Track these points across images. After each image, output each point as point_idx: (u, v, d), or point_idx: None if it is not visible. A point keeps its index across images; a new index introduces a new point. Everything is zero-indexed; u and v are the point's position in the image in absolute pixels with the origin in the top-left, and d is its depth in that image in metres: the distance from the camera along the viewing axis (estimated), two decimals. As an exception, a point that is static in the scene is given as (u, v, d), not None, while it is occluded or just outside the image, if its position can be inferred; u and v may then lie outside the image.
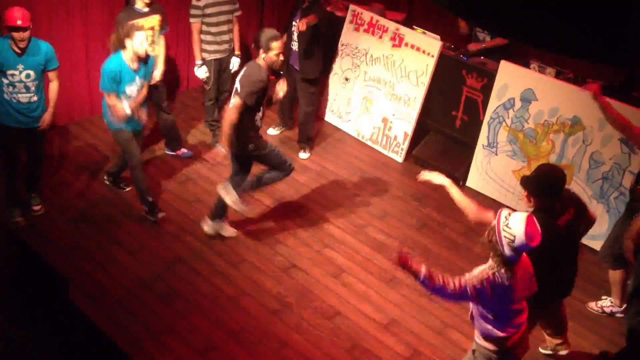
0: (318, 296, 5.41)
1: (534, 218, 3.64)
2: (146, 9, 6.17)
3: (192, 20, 6.66)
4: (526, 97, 6.42)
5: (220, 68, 6.87)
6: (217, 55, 6.80)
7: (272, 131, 7.59)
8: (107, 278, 5.39)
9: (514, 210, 3.84)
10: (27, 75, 5.42)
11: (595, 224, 6.05)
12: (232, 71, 6.90)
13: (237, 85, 5.39)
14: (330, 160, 7.24)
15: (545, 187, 4.20)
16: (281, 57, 5.35)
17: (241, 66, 6.09)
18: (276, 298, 5.35)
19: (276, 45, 5.27)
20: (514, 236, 3.56)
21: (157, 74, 6.34)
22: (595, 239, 6.08)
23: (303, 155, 7.25)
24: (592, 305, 5.55)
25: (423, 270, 3.77)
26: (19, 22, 5.23)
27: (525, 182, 4.30)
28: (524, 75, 6.47)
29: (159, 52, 6.38)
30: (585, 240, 6.07)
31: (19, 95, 5.43)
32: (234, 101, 5.36)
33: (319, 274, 5.64)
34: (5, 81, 5.37)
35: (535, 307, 4.25)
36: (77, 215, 6.00)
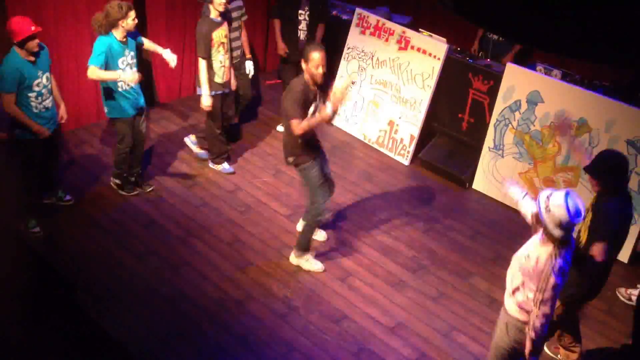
0: (325, 299, 5.42)
1: (574, 193, 3.67)
2: (219, 19, 6.28)
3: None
4: (532, 99, 6.42)
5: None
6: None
7: (281, 128, 7.63)
8: (114, 282, 5.41)
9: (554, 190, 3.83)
10: (47, 79, 5.49)
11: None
12: (250, 75, 7.00)
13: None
14: (336, 163, 7.24)
15: (612, 168, 4.24)
16: (320, 70, 5.06)
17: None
18: (283, 302, 5.36)
19: (316, 56, 5.00)
20: (560, 217, 3.60)
21: (234, 82, 6.66)
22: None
23: None
24: (622, 291, 5.59)
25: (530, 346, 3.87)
26: (33, 28, 5.25)
27: (590, 169, 4.31)
28: (530, 77, 6.46)
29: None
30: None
31: (47, 101, 5.50)
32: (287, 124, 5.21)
33: (326, 277, 5.65)
34: (32, 95, 5.38)
35: (587, 298, 4.41)
36: (85, 220, 6.03)
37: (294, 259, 5.71)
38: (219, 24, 6.26)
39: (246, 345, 4.97)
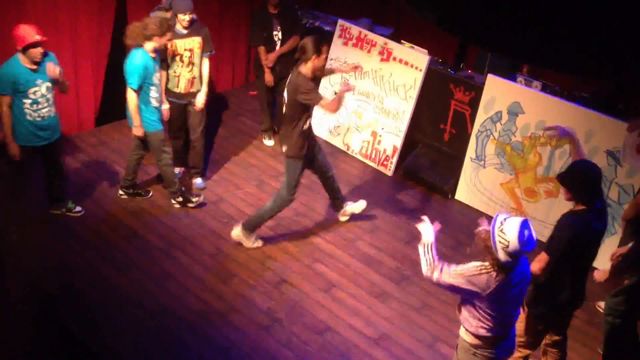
0: (308, 311, 5.40)
1: (529, 223, 3.67)
2: (184, 31, 6.21)
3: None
4: (513, 110, 6.48)
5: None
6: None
7: (269, 142, 7.68)
8: (95, 294, 5.36)
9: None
10: (47, 88, 5.46)
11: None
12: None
13: (292, 100, 5.56)
14: (319, 175, 7.25)
15: (584, 182, 4.19)
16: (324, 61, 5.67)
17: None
18: (266, 313, 5.34)
19: (326, 49, 5.62)
20: (508, 241, 3.59)
21: (202, 97, 6.43)
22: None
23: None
24: (602, 304, 5.62)
25: (425, 245, 4.07)
26: (37, 37, 5.24)
27: (563, 178, 4.29)
28: (510, 88, 6.53)
29: (204, 74, 6.41)
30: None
31: (43, 110, 5.46)
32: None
33: (309, 288, 5.64)
34: (27, 101, 5.37)
35: (561, 315, 4.37)
36: (65, 232, 5.97)
37: (237, 233, 5.93)
38: (180, 36, 6.19)
39: (229, 357, 4.94)
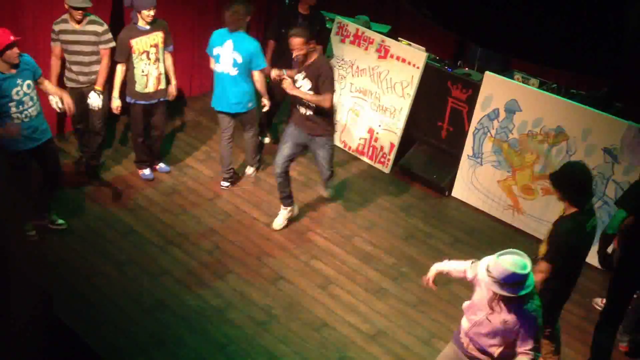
0: (305, 307, 5.41)
1: (507, 257, 3.68)
2: (147, 27, 6.17)
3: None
4: (510, 107, 6.48)
5: (78, 100, 6.15)
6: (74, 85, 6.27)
7: (267, 140, 7.70)
8: (92, 291, 5.36)
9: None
10: (29, 86, 5.39)
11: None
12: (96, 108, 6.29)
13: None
14: (316, 171, 7.22)
15: (575, 184, 4.22)
16: None
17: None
18: (263, 310, 5.34)
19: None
20: (498, 276, 3.62)
21: (174, 89, 6.48)
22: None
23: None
24: (598, 301, 5.64)
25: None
26: (12, 38, 5.18)
27: (554, 178, 4.31)
28: (508, 86, 6.53)
29: (169, 68, 6.42)
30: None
31: (29, 110, 5.38)
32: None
33: (306, 285, 5.64)
34: (13, 104, 5.29)
35: (553, 309, 4.38)
36: (62, 228, 5.96)
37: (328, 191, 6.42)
38: (144, 32, 6.16)
39: (226, 354, 4.94)
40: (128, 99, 6.38)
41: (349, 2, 8.35)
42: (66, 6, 5.93)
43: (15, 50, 5.23)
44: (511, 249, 3.73)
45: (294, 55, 5.70)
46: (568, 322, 5.48)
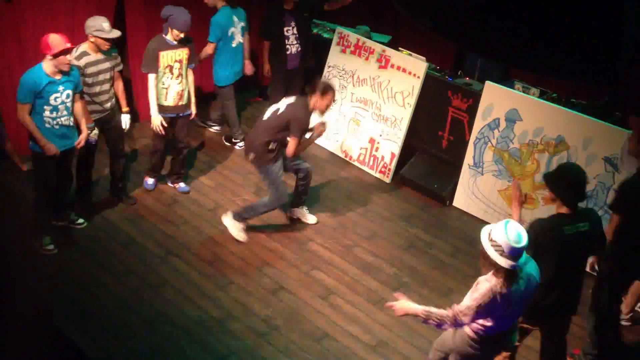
0: (306, 318, 5.39)
1: (512, 222, 3.71)
2: (175, 42, 6.17)
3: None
4: (511, 117, 6.48)
5: (103, 127, 6.13)
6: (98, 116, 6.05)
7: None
8: (92, 302, 5.34)
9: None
10: (68, 96, 5.44)
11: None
12: (125, 128, 6.37)
13: (280, 112, 5.87)
14: (317, 181, 7.25)
15: (569, 185, 4.20)
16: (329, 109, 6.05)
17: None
18: (264, 321, 5.33)
19: (332, 97, 5.91)
20: (501, 245, 3.63)
21: (194, 108, 6.52)
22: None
23: None
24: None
25: (421, 315, 3.91)
26: (68, 45, 5.26)
27: (545, 177, 4.34)
28: (508, 95, 6.53)
29: (190, 86, 6.41)
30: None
31: (62, 118, 5.44)
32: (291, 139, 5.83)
33: (307, 295, 5.62)
34: (48, 108, 5.35)
35: (537, 319, 4.35)
36: (62, 238, 5.95)
37: (228, 219, 6.12)
38: (172, 47, 6.17)
39: (227, 365, 4.92)
40: (151, 108, 6.35)
41: (350, 12, 8.38)
42: (91, 38, 5.71)
43: (68, 57, 5.32)
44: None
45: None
46: (570, 333, 5.45)
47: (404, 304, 3.96)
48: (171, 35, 6.15)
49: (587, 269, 4.92)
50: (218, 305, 5.44)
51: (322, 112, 5.96)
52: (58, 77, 5.35)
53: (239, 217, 6.11)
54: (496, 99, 6.57)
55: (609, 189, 5.96)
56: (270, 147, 5.85)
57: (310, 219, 6.51)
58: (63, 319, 5.05)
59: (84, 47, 5.79)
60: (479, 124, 6.70)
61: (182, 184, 6.82)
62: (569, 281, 4.35)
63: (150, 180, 6.76)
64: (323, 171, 7.45)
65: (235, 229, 6.11)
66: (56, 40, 5.27)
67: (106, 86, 5.98)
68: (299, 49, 7.48)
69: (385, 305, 4.08)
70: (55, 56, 5.26)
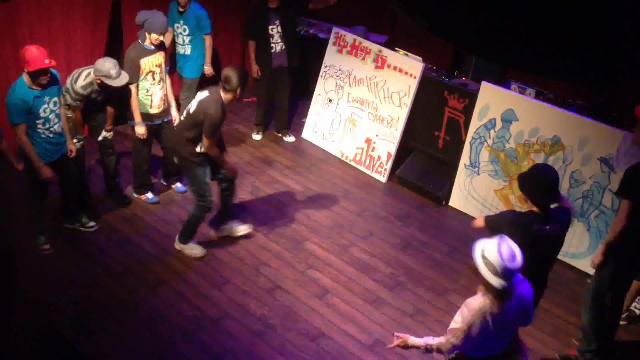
0: (302, 317, 5.40)
1: (507, 239, 3.62)
2: (152, 47, 6.12)
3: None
4: (507, 117, 6.50)
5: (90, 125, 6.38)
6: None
7: (257, 137, 7.98)
8: (88, 301, 5.34)
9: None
10: (55, 103, 5.43)
11: (577, 242, 6.17)
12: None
13: (197, 116, 5.43)
14: (313, 181, 7.27)
15: (534, 185, 4.20)
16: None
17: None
18: (260, 320, 5.33)
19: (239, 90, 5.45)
20: (493, 264, 3.55)
21: (176, 112, 6.40)
22: (576, 257, 6.15)
23: (291, 138, 7.99)
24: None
25: (422, 346, 3.87)
26: (47, 61, 5.19)
27: (518, 178, 4.34)
28: (504, 96, 6.55)
29: (168, 89, 6.36)
30: (566, 259, 6.15)
31: (55, 126, 5.44)
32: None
33: (303, 295, 5.63)
34: (40, 121, 5.34)
35: None
36: (58, 238, 5.95)
37: (177, 244, 5.94)
38: (150, 52, 6.10)
39: (223, 364, 4.92)
40: (131, 123, 6.28)
41: (347, 12, 8.40)
42: (96, 78, 5.73)
43: (47, 75, 5.26)
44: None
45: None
46: (561, 330, 5.48)
47: (406, 339, 3.91)
48: (149, 40, 6.06)
49: (591, 266, 4.94)
50: (214, 304, 5.44)
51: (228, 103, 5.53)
52: (40, 88, 5.29)
53: (183, 238, 5.91)
54: (492, 99, 6.58)
55: (604, 189, 5.98)
56: (192, 148, 5.52)
57: (242, 229, 6.18)
58: (59, 319, 5.05)
59: (91, 78, 5.79)
60: (475, 124, 6.72)
61: (178, 184, 6.81)
62: (534, 279, 4.35)
63: (149, 195, 6.63)
64: (319, 171, 7.46)
65: (188, 249, 5.92)
66: (34, 56, 5.14)
67: (101, 101, 6.05)
68: (284, 47, 7.48)
69: (387, 347, 4.07)
70: (33, 74, 5.18)
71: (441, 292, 5.81)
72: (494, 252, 3.55)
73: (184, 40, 7.30)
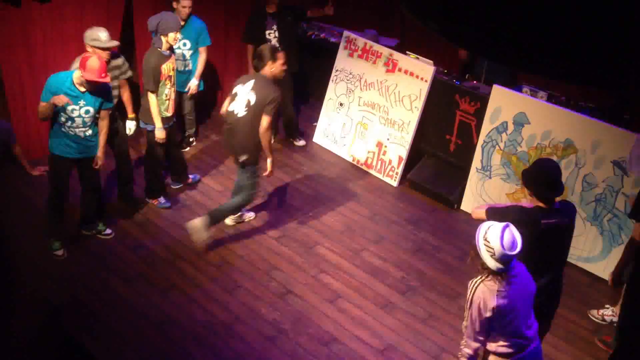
0: (314, 322, 5.39)
1: (512, 227, 3.69)
2: (167, 52, 6.15)
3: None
4: (519, 120, 6.47)
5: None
6: None
7: (302, 142, 8.02)
8: (101, 306, 5.36)
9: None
10: (87, 112, 5.44)
11: (590, 246, 6.12)
12: (130, 133, 6.55)
13: (261, 104, 5.65)
14: (324, 185, 7.26)
15: (539, 180, 4.21)
16: (285, 67, 5.86)
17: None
18: (272, 324, 5.33)
19: (282, 55, 5.82)
20: (493, 248, 3.64)
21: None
22: (589, 261, 6.10)
23: (302, 143, 7.97)
24: (594, 312, 5.60)
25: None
26: (100, 79, 5.26)
27: (522, 174, 4.36)
28: (516, 99, 6.52)
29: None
30: (579, 263, 6.11)
31: (78, 129, 5.48)
32: (264, 119, 5.67)
33: (315, 299, 5.63)
34: (64, 117, 5.39)
35: None
36: (71, 242, 5.98)
37: (201, 227, 5.86)
38: (167, 57, 6.14)
39: (234, 368, 4.92)
40: (150, 127, 6.28)
41: (357, 16, 8.40)
42: (89, 49, 5.70)
43: (89, 88, 5.35)
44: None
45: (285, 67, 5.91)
46: (575, 334, 5.44)
47: None
48: (166, 44, 6.07)
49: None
50: (226, 308, 5.45)
51: (280, 75, 5.86)
52: (82, 89, 5.35)
53: (212, 221, 5.94)
54: (504, 103, 6.56)
55: (617, 192, 5.93)
56: (258, 141, 5.75)
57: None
58: (72, 323, 5.07)
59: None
60: (486, 127, 6.69)
61: (161, 199, 6.66)
62: (549, 274, 4.34)
63: (162, 199, 6.64)
64: (330, 175, 7.46)
65: (206, 234, 5.92)
66: (93, 68, 5.23)
67: (113, 93, 6.00)
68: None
69: None
70: (87, 80, 5.28)
71: (453, 297, 5.78)
72: (496, 237, 3.64)
73: (184, 56, 7.10)
